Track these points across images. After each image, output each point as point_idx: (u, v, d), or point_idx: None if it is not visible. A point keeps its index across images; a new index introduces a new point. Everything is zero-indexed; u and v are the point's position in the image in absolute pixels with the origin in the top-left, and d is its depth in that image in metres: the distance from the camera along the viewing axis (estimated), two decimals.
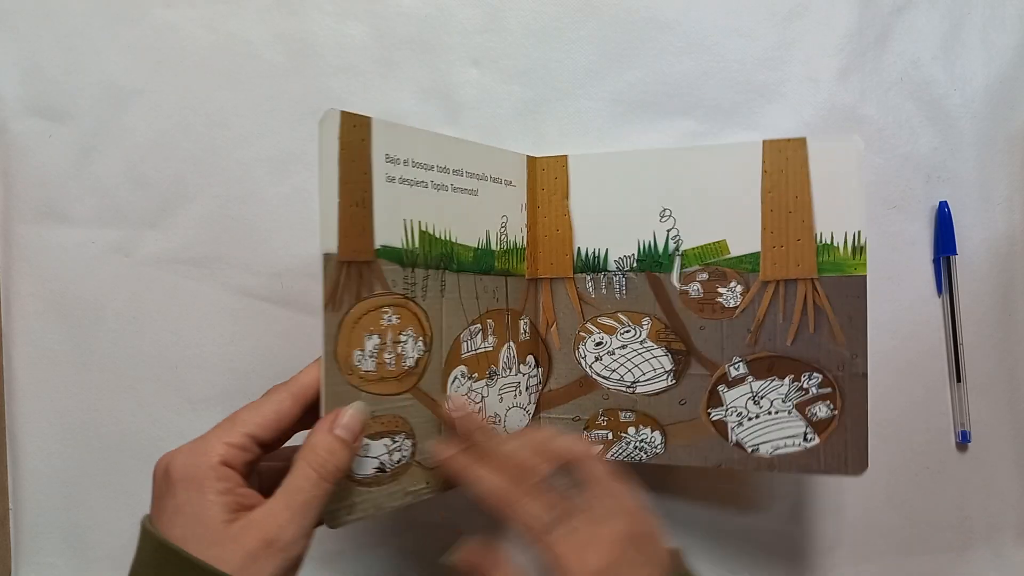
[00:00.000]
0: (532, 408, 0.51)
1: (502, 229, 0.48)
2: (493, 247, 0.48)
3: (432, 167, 0.44)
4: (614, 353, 0.50)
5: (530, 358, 0.50)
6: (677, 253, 0.49)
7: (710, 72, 0.55)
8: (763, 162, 0.47)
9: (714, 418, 0.48)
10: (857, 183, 0.45)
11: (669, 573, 0.39)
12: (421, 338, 0.43)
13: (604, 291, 0.50)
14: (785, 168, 0.47)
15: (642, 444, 0.49)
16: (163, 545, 0.33)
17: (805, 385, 0.47)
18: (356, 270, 0.40)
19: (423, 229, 0.43)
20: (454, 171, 0.45)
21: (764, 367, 0.47)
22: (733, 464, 0.48)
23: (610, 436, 0.50)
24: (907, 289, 0.56)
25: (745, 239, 0.48)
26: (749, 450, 0.48)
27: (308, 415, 0.37)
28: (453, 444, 0.43)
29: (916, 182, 0.56)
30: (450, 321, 0.45)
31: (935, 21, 0.55)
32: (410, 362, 0.42)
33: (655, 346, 0.49)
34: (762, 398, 0.48)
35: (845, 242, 0.46)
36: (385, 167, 0.41)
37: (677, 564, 0.40)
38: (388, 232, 0.41)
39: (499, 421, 0.48)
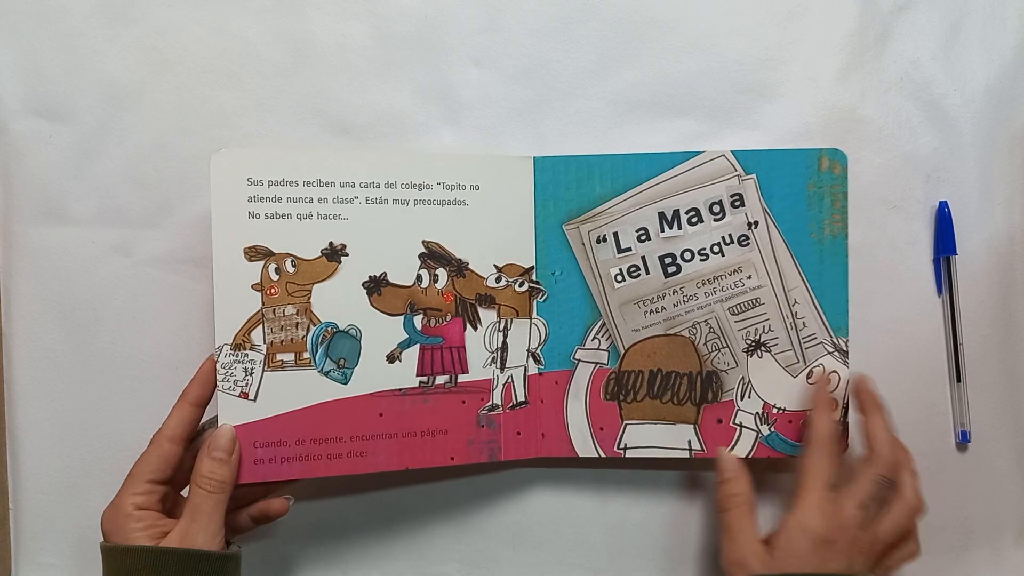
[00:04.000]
0: None
1: None
2: None
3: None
4: None
5: None
6: None
7: (710, 72, 0.55)
8: None
9: None
10: None
11: None
12: None
13: None
14: None
15: None
16: (126, 550, 0.43)
17: None
18: None
19: None
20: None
21: None
22: None
23: None
24: (907, 289, 0.56)
25: None
26: None
27: (186, 444, 0.47)
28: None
29: (916, 182, 0.55)
30: None
31: (935, 21, 0.55)
32: None
33: None
34: None
35: None
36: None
37: None
38: None
39: None
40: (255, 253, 0.48)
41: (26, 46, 0.55)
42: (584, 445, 0.52)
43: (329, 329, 0.49)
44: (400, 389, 0.50)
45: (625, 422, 0.52)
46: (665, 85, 0.55)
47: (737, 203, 0.51)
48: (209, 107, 0.55)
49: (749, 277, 0.51)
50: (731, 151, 0.51)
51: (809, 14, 0.55)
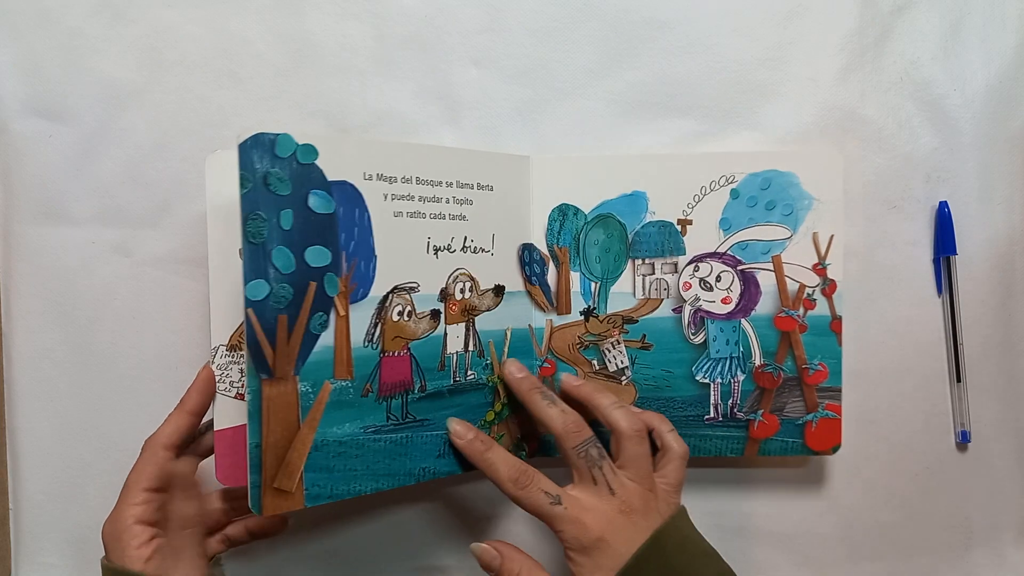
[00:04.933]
0: None
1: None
2: None
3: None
4: None
5: None
6: None
7: (710, 72, 0.55)
8: None
9: None
10: None
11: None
12: None
13: None
14: None
15: None
16: (123, 571, 0.43)
17: None
18: None
19: None
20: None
21: None
22: None
23: None
24: (907, 289, 0.56)
25: None
26: None
27: (180, 452, 0.47)
28: (470, 428, 0.47)
29: (916, 182, 0.55)
30: None
31: (935, 21, 0.55)
32: None
33: None
34: None
35: None
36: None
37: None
38: None
39: None
40: None
41: (26, 46, 0.55)
42: None
43: None
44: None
45: None
46: (665, 85, 0.55)
47: None
48: (209, 107, 0.55)
49: None
50: None
51: (809, 14, 0.55)
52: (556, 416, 0.45)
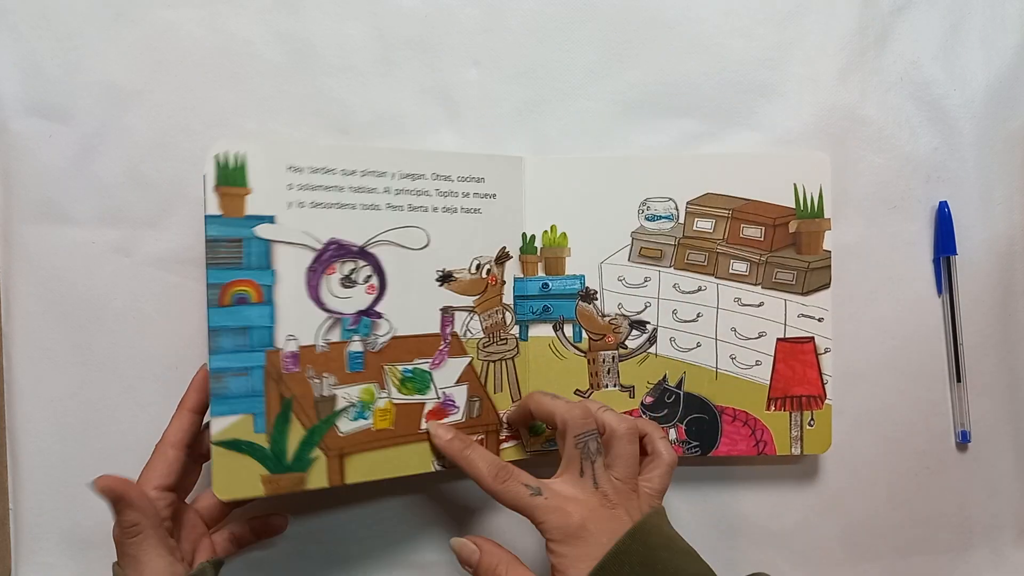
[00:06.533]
0: None
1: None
2: None
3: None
4: None
5: None
6: None
7: (710, 72, 0.55)
8: None
9: None
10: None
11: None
12: None
13: None
14: None
15: None
16: None
17: None
18: None
19: None
20: None
21: None
22: None
23: None
24: (907, 289, 0.56)
25: None
26: None
27: (189, 453, 0.47)
28: (449, 429, 0.48)
29: (916, 182, 0.55)
30: None
31: (935, 21, 0.55)
32: None
33: None
34: None
35: None
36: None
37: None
38: None
39: None
40: None
41: (26, 46, 0.55)
42: None
43: None
44: None
45: None
46: (665, 85, 0.55)
47: None
48: (209, 107, 0.55)
49: None
50: None
51: (809, 14, 0.55)
52: (563, 406, 0.45)
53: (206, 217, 0.44)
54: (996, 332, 0.56)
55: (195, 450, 0.48)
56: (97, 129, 0.55)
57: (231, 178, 0.44)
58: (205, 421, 0.48)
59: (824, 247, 0.52)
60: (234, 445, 0.44)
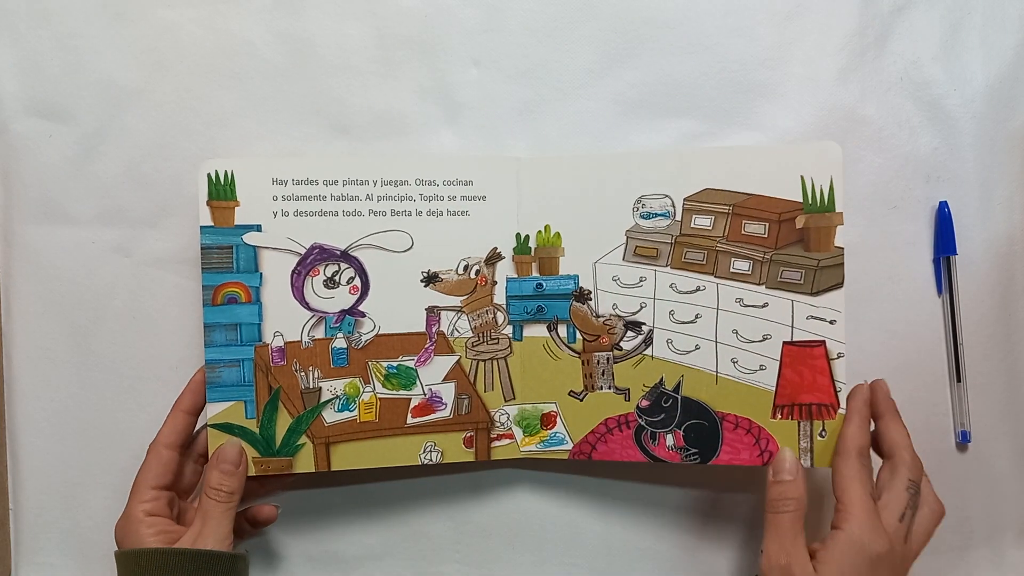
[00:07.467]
0: None
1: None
2: None
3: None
4: None
5: None
6: None
7: (710, 72, 0.55)
8: None
9: None
10: None
11: None
12: None
13: None
14: None
15: None
16: (139, 553, 0.44)
17: None
18: None
19: None
20: None
21: None
22: None
23: None
24: (907, 289, 0.56)
25: None
26: None
27: (187, 454, 0.49)
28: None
29: (916, 182, 0.55)
30: None
31: (935, 21, 0.55)
32: None
33: None
34: None
35: None
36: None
37: None
38: None
39: None
40: None
41: (26, 46, 0.55)
42: None
43: None
44: None
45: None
46: (665, 85, 0.55)
47: None
48: (209, 107, 0.55)
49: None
50: None
51: (809, 14, 0.55)
52: (910, 442, 0.47)
53: (200, 228, 0.48)
54: (996, 332, 0.56)
55: (193, 451, 0.49)
56: (97, 129, 0.55)
57: (222, 193, 0.48)
58: (199, 427, 0.49)
59: (836, 243, 0.49)
60: (227, 428, 0.48)
